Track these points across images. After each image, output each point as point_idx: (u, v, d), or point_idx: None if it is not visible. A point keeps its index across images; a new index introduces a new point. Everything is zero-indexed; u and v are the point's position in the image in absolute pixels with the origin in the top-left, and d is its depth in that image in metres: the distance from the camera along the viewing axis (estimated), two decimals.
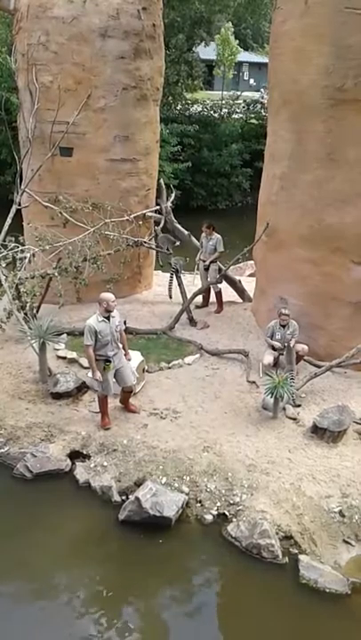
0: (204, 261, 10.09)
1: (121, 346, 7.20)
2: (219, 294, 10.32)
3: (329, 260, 8.10)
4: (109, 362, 7.02)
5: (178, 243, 10.52)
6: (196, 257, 10.27)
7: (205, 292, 10.38)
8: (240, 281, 11.04)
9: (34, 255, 8.83)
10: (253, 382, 8.09)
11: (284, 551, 5.82)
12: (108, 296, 6.95)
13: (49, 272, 8.85)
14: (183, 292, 9.98)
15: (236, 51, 33.00)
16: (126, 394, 7.46)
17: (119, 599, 5.46)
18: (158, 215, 10.77)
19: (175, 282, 10.19)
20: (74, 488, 6.70)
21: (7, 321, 8.46)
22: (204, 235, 10.10)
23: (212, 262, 9.99)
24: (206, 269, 10.07)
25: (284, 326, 7.87)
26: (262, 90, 29.49)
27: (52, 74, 9.47)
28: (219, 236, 9.96)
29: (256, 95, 28.18)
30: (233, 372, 8.44)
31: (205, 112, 24.05)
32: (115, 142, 9.94)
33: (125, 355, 7.27)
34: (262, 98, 25.10)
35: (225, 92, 30.26)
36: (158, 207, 10.85)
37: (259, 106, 24.81)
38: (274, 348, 7.96)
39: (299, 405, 7.57)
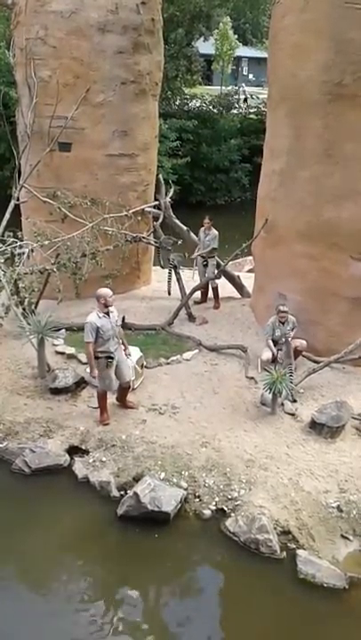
0: (203, 257, 10.08)
1: (120, 341, 7.21)
2: (216, 290, 10.32)
3: (327, 256, 8.10)
4: (112, 358, 7.04)
5: (180, 242, 10.48)
6: (194, 253, 10.27)
7: (203, 288, 10.37)
8: (239, 276, 11.04)
9: (32, 250, 8.82)
10: (252, 378, 8.10)
11: (282, 546, 5.84)
12: (106, 291, 6.97)
13: (47, 267, 8.85)
14: (182, 288, 9.98)
15: (234, 45, 32.90)
16: (124, 390, 7.46)
17: (117, 594, 5.48)
18: (157, 211, 10.75)
19: (174, 277, 10.18)
20: (72, 483, 6.71)
21: (5, 316, 8.46)
22: (202, 229, 10.09)
23: (210, 258, 9.99)
24: (205, 265, 10.07)
25: (283, 323, 7.86)
26: (243, 85, 29.27)
27: (50, 68, 9.45)
28: (216, 232, 9.97)
29: (250, 90, 28.05)
30: (231, 367, 8.45)
31: (204, 107, 23.97)
32: (113, 137, 9.92)
33: (125, 350, 7.28)
34: (242, 93, 24.86)
35: (224, 88, 30.17)
36: (157, 203, 10.84)
37: (233, 99, 24.34)
38: (274, 344, 7.95)
39: (295, 401, 7.57)
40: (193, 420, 7.35)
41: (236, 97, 24.56)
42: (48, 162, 9.77)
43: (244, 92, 24.91)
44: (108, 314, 6.96)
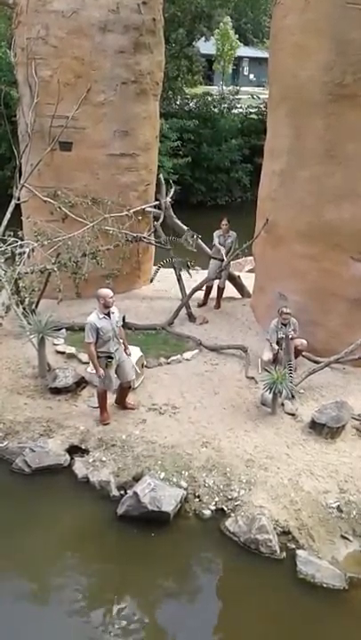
0: (222, 260, 9.86)
1: (121, 341, 7.21)
2: (222, 290, 10.30)
3: (327, 256, 8.10)
4: (112, 358, 7.03)
5: (199, 236, 10.28)
6: (215, 257, 10.02)
7: (207, 290, 10.32)
8: (239, 277, 11.04)
9: (33, 250, 8.81)
10: (252, 378, 8.10)
11: (282, 546, 5.84)
12: (106, 292, 6.94)
13: (48, 267, 8.84)
14: (182, 288, 9.97)
15: (235, 45, 32.92)
16: (125, 390, 7.45)
17: (117, 594, 5.48)
18: (157, 210, 10.75)
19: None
20: (72, 483, 6.71)
21: (5, 315, 8.46)
22: (220, 232, 9.95)
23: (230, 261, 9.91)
24: (222, 270, 9.91)
25: (285, 324, 7.86)
26: (220, 83, 29.13)
27: (51, 68, 9.44)
28: (235, 233, 9.92)
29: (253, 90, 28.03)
30: (232, 367, 8.45)
31: (205, 107, 23.95)
32: (114, 137, 9.92)
33: (125, 350, 7.27)
34: (217, 93, 24.79)
35: (225, 87, 30.17)
36: (158, 202, 10.83)
37: (209, 98, 24.28)
38: (277, 343, 7.95)
39: (293, 397, 7.56)
40: (193, 419, 7.35)
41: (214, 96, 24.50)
42: (49, 161, 9.77)
43: (220, 92, 24.87)
44: (108, 314, 6.94)
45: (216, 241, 9.94)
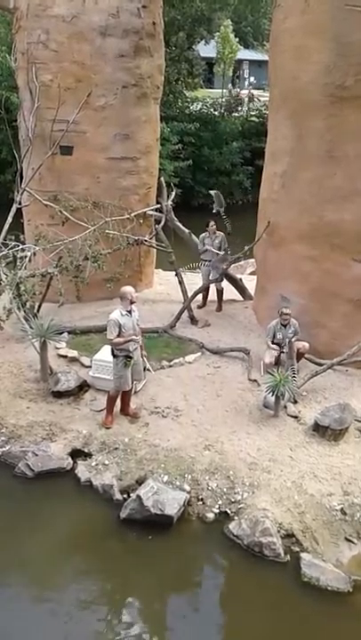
0: (209, 261, 9.96)
1: (140, 342, 7.21)
2: (221, 293, 10.29)
3: (329, 258, 8.09)
4: (130, 358, 7.03)
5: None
6: (202, 257, 10.11)
7: (205, 291, 10.33)
8: (241, 279, 11.03)
9: (34, 254, 8.82)
10: (255, 380, 8.08)
11: (286, 549, 5.82)
12: (130, 289, 7.01)
13: (49, 271, 8.85)
14: (184, 291, 9.96)
15: (235, 48, 32.95)
16: (127, 393, 7.42)
17: (120, 597, 5.48)
18: (159, 214, 10.75)
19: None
20: (75, 487, 6.70)
21: (7, 319, 8.46)
22: (207, 234, 10.00)
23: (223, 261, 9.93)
24: (215, 268, 9.95)
25: (285, 325, 7.85)
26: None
27: (51, 72, 9.47)
28: (222, 233, 9.93)
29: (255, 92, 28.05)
30: (234, 370, 8.44)
31: (205, 110, 24.00)
32: (115, 141, 9.93)
33: (142, 351, 7.26)
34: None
35: (225, 90, 30.21)
36: (159, 205, 10.83)
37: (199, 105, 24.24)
38: (277, 345, 7.94)
39: (296, 402, 7.55)
40: (196, 422, 7.33)
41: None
42: (50, 165, 9.79)
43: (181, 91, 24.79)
44: (130, 312, 6.96)
45: (202, 244, 9.99)
